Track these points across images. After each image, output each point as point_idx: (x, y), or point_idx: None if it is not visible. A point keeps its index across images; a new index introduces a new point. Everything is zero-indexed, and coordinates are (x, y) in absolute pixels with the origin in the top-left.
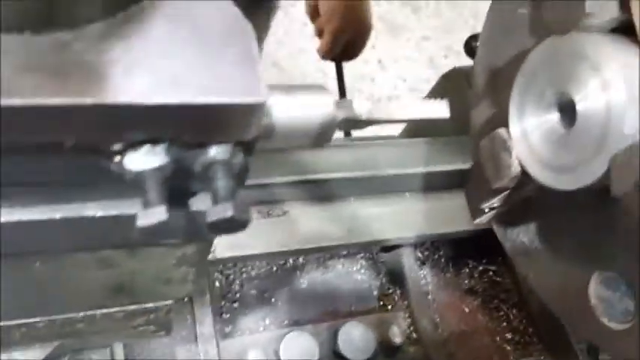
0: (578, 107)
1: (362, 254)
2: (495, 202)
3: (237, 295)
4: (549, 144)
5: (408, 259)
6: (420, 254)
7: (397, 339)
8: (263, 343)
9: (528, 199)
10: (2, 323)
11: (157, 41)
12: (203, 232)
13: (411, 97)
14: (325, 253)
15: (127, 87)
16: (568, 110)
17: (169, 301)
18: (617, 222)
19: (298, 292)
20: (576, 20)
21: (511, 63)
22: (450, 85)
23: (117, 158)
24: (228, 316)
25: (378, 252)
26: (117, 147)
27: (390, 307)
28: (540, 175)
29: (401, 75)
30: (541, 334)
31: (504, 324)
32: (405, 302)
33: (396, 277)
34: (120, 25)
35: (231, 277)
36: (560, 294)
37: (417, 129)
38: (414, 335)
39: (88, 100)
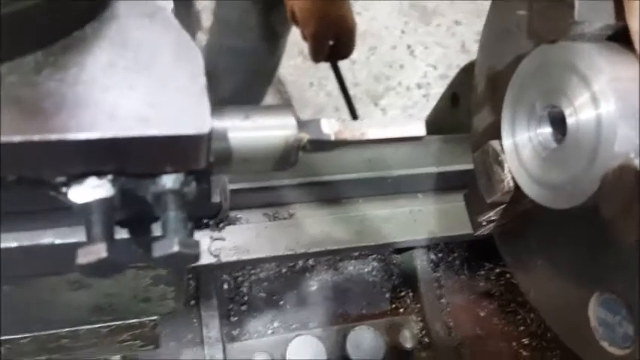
0: (568, 122)
1: (374, 256)
2: (492, 215)
3: (246, 297)
4: (540, 159)
5: (421, 261)
6: (433, 256)
7: (408, 344)
8: (270, 346)
9: (527, 213)
10: None
11: (97, 71)
12: (152, 264)
13: (383, 117)
14: (335, 256)
15: (58, 122)
16: (559, 125)
17: (154, 317)
18: (614, 240)
19: (308, 295)
20: (565, 28)
21: (510, 68)
22: (468, 79)
23: (63, 189)
24: (236, 319)
25: (390, 253)
26: (60, 179)
27: (402, 310)
28: (531, 191)
29: (431, 62)
30: (559, 339)
31: (521, 328)
32: (418, 305)
33: (408, 280)
34: (58, 55)
35: (240, 279)
36: (560, 314)
37: (435, 125)
38: (426, 340)
39: (16, 139)
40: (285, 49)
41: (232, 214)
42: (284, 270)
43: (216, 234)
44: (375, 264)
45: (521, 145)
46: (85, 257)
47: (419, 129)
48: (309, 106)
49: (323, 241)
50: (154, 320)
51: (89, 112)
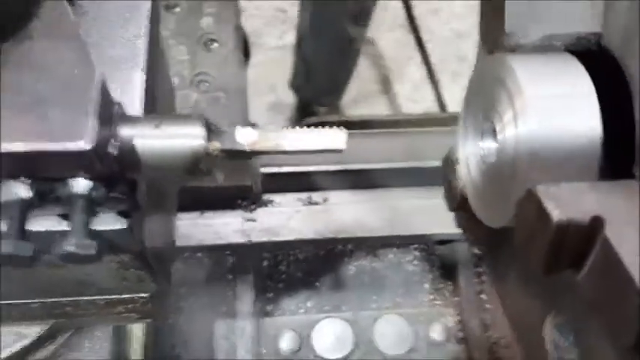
0: (498, 138)
1: (415, 245)
2: (463, 222)
3: (283, 276)
4: (481, 173)
5: (463, 255)
6: (477, 250)
7: (438, 336)
8: (300, 325)
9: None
10: (2, 302)
11: (2, 89)
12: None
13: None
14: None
15: None
16: (495, 140)
17: (143, 295)
18: None
19: (344, 279)
20: (497, 40)
21: None
22: None
23: None
24: (271, 295)
25: (433, 244)
26: None
27: (439, 302)
28: (475, 205)
29: None
30: None
31: None
32: (456, 299)
33: (449, 272)
34: None
35: (279, 258)
36: (523, 330)
37: None
38: (460, 335)
39: None
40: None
41: (266, 197)
42: (323, 253)
43: (248, 215)
44: (417, 253)
45: (470, 157)
46: None
47: (339, 141)
48: (408, 81)
49: (353, 228)
50: (143, 297)
51: None
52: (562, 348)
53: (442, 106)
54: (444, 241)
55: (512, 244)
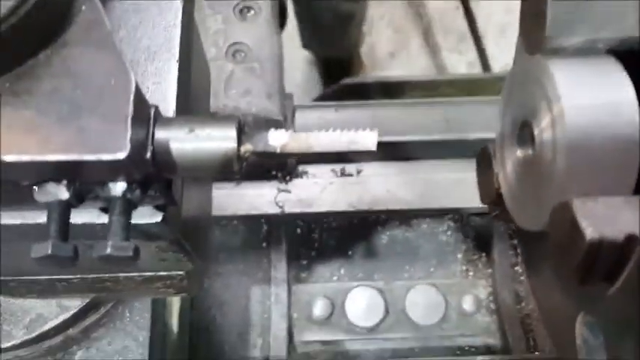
0: (536, 141)
1: (450, 215)
2: (497, 213)
3: (316, 244)
4: (516, 175)
5: (498, 228)
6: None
7: (469, 307)
8: (333, 292)
9: None
10: (45, 277)
11: (41, 97)
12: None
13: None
14: (397, 216)
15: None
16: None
17: (179, 272)
18: None
19: (377, 248)
20: (538, 42)
21: None
22: None
23: (33, 190)
24: (305, 262)
25: (469, 215)
26: (25, 183)
27: (472, 273)
28: (509, 204)
29: None
30: None
31: None
32: (489, 271)
33: (483, 244)
34: (12, 81)
35: (313, 226)
36: (556, 325)
37: None
38: (492, 306)
39: None
40: None
41: (300, 168)
42: (356, 221)
43: (282, 186)
44: (452, 224)
45: (507, 155)
46: (35, 252)
47: (369, 142)
48: (452, 32)
49: (386, 201)
50: (180, 274)
51: (31, 137)
52: (592, 346)
53: (485, 64)
54: (479, 214)
55: (546, 243)
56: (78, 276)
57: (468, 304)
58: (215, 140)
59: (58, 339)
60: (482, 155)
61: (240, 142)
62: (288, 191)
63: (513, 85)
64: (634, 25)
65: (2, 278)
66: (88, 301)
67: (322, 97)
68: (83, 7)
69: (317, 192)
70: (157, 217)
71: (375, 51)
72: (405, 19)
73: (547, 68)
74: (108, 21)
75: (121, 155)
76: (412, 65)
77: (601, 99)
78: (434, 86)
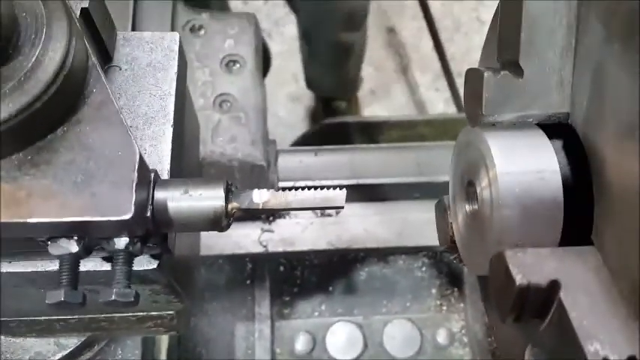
0: (478, 199)
1: (424, 252)
2: (456, 256)
3: (298, 281)
4: (465, 226)
5: None
6: None
7: (443, 340)
8: (314, 327)
9: None
10: (45, 318)
11: (59, 167)
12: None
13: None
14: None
15: (25, 209)
16: (476, 200)
17: (170, 312)
18: None
19: (356, 284)
20: (477, 117)
21: None
22: None
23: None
24: (287, 299)
25: (442, 252)
26: (41, 238)
27: (445, 308)
28: (461, 251)
29: None
30: None
31: None
32: (462, 305)
33: (455, 280)
34: (34, 154)
35: (295, 264)
36: (508, 353)
37: None
38: (465, 339)
39: None
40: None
41: None
42: (336, 259)
43: (266, 226)
44: (426, 260)
45: (458, 208)
46: (50, 299)
47: (339, 200)
48: (429, 71)
49: (364, 239)
50: (170, 314)
51: (48, 202)
52: None
53: (459, 104)
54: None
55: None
56: (76, 316)
57: (442, 337)
58: (206, 200)
59: None
60: (439, 206)
61: (227, 201)
62: (272, 231)
63: (460, 150)
64: (559, 101)
65: (3, 319)
66: (84, 339)
67: (305, 136)
68: (94, 90)
69: (299, 231)
70: (153, 265)
71: None
72: (385, 58)
73: (484, 139)
74: (116, 101)
75: (127, 216)
76: (392, 101)
77: (529, 166)
78: (411, 125)
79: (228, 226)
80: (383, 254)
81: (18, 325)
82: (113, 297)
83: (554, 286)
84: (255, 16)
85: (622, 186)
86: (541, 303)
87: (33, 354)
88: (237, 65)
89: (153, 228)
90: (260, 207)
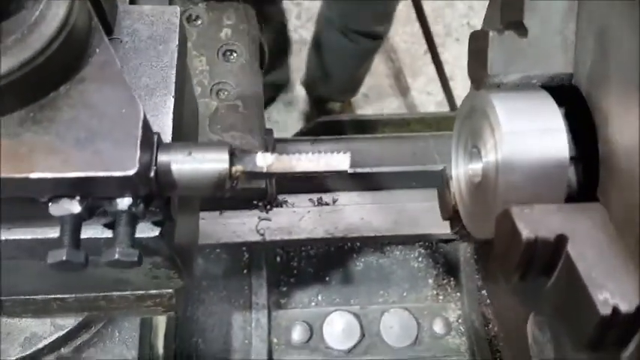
0: (482, 162)
1: (421, 242)
2: (457, 229)
3: (295, 271)
4: (469, 192)
5: (464, 253)
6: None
7: (440, 330)
8: (311, 317)
9: None
10: (42, 297)
11: (62, 124)
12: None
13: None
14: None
15: (26, 164)
16: (480, 163)
17: (169, 290)
18: None
19: (353, 274)
20: (482, 79)
21: None
22: None
23: (47, 205)
24: (285, 289)
25: (437, 242)
26: (43, 199)
27: (442, 297)
28: (464, 218)
29: None
30: None
31: None
32: (458, 294)
33: (452, 269)
34: (36, 111)
35: (292, 254)
36: (510, 327)
37: None
38: (461, 328)
39: None
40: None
41: (281, 197)
42: (332, 249)
43: (263, 215)
44: (422, 250)
45: (460, 176)
46: (51, 258)
47: (343, 163)
48: (422, 75)
49: (361, 228)
50: (170, 292)
51: (51, 157)
52: (541, 343)
53: (452, 104)
54: (447, 240)
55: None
56: (72, 295)
57: (438, 326)
58: (210, 162)
59: (51, 358)
60: (441, 176)
61: (232, 164)
62: (269, 219)
63: (463, 116)
64: (563, 62)
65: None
66: (80, 320)
67: (299, 134)
68: (97, 50)
69: (296, 220)
70: (155, 232)
71: None
72: (377, 63)
73: (490, 100)
74: (118, 60)
75: (131, 172)
76: (384, 104)
77: (535, 126)
78: (404, 123)
79: (231, 191)
80: (380, 243)
81: (13, 305)
82: (116, 256)
83: (561, 240)
84: (251, 7)
85: (626, 141)
86: (548, 258)
87: (29, 334)
88: (235, 55)
89: (156, 189)
90: (264, 170)
